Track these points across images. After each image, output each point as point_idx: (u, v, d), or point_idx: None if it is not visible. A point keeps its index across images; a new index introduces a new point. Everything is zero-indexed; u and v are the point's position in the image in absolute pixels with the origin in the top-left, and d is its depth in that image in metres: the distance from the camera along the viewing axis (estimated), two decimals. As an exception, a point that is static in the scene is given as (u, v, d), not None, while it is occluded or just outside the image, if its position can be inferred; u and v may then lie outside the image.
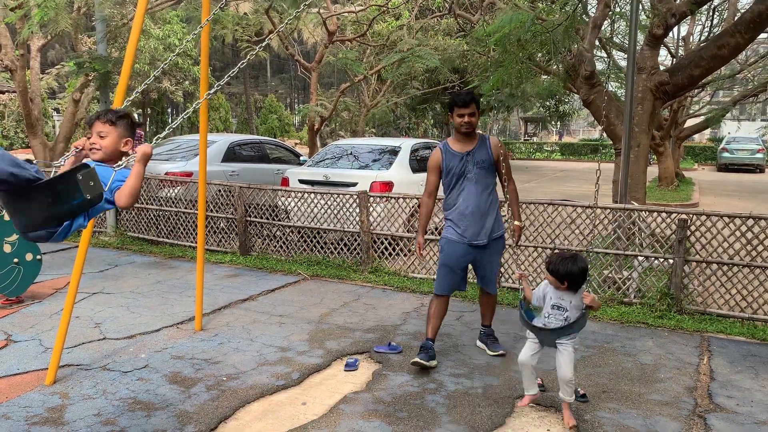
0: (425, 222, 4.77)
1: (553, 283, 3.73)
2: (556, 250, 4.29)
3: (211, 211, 8.37)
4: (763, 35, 11.60)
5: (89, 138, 2.83)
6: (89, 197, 2.36)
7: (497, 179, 4.75)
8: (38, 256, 6.06)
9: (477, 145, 4.61)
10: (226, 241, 8.48)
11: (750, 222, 5.72)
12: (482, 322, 5.06)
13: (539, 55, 9.36)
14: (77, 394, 4.01)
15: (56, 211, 2.39)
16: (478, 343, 5.06)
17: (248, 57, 4.00)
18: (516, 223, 4.78)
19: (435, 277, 6.97)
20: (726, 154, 29.71)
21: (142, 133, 28.13)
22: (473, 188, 4.56)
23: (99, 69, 8.85)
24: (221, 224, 8.45)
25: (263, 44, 3.97)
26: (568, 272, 3.62)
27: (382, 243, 7.48)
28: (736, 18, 9.76)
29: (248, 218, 8.12)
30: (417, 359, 4.49)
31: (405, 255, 7.52)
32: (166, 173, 8.92)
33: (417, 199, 7.39)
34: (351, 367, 4.55)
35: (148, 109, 38.81)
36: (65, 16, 8.98)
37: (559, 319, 3.71)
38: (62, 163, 2.84)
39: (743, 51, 10.26)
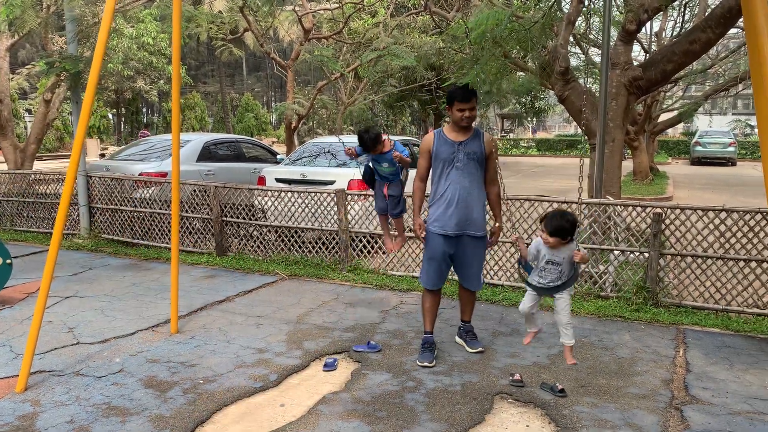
0: (420, 203, 4.76)
1: (553, 243, 4.03)
2: (550, 208, 4.64)
3: (187, 211, 8.27)
4: (733, 30, 11.78)
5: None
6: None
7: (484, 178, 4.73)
8: (8, 260, 5.92)
9: (471, 137, 4.59)
10: (202, 242, 8.38)
11: (723, 215, 5.80)
12: (462, 318, 5.06)
13: (514, 51, 9.39)
14: (49, 401, 3.93)
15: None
16: (457, 339, 5.06)
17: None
18: (496, 224, 4.78)
19: (414, 274, 7.02)
20: (699, 148, 30.17)
21: (148, 132, 27.87)
22: (460, 177, 4.53)
23: (70, 69, 8.67)
24: (197, 225, 8.35)
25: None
26: (560, 227, 3.95)
27: (361, 241, 7.45)
28: (706, 13, 9.89)
29: (224, 218, 8.03)
30: (425, 363, 4.58)
31: (384, 253, 7.50)
32: (140, 174, 8.80)
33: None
34: (330, 367, 4.52)
35: (123, 108, 38.33)
36: (32, 14, 8.79)
37: (554, 273, 4.11)
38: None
39: (714, 46, 10.39)
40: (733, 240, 5.79)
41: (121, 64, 22.35)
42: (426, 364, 4.56)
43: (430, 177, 4.76)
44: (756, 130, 29.32)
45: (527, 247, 4.32)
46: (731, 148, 29.57)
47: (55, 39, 13.73)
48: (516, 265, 4.55)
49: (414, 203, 4.77)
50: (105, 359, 4.64)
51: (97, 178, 8.97)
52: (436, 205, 4.63)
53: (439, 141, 4.61)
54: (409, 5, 17.48)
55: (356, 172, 8.26)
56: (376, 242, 7.46)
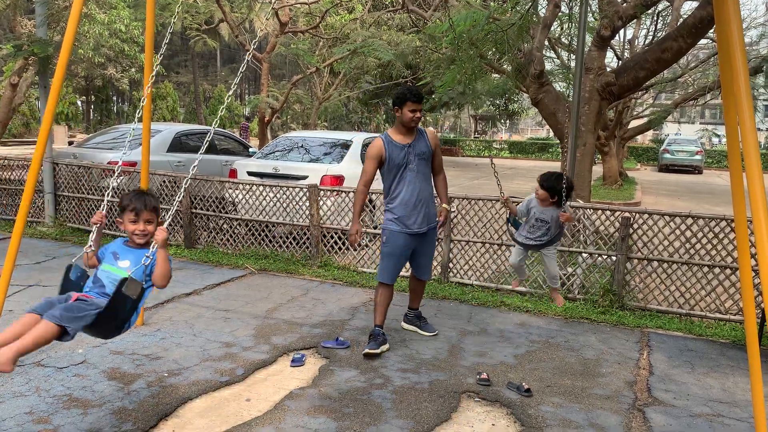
0: (360, 210, 4.79)
1: (543, 197, 4.46)
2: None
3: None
4: (703, 41, 12.02)
5: (134, 223, 3.31)
6: (135, 297, 2.96)
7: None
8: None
9: (416, 138, 4.75)
10: (170, 234, 8.26)
11: (689, 221, 5.91)
12: (410, 305, 5.31)
13: (490, 53, 9.45)
14: (8, 392, 3.83)
15: (120, 321, 3.01)
16: (406, 325, 5.31)
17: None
18: (444, 206, 4.99)
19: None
20: (667, 155, 30.73)
21: (248, 124, 27.44)
22: (414, 178, 4.71)
23: (39, 53, 8.46)
24: (165, 216, 8.22)
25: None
26: (551, 187, 4.40)
27: (332, 237, 7.42)
28: (679, 23, 10.07)
29: (194, 210, 7.93)
30: (367, 350, 4.65)
31: (355, 249, 7.48)
32: (109, 162, 8.64)
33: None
34: (297, 362, 4.49)
35: (92, 95, 37.61)
36: (1, -5, 8.56)
37: (541, 230, 4.55)
38: None
39: (685, 55, 10.59)
40: (698, 246, 5.90)
41: (92, 51, 21.92)
42: (368, 351, 4.66)
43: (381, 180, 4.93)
44: (722, 139, 30.06)
45: (516, 206, 4.75)
46: (698, 157, 30.19)
47: (23, 22, 13.38)
48: (506, 224, 5.02)
49: (355, 208, 4.82)
50: (67, 350, 4.54)
51: (63, 166, 8.78)
52: (395, 206, 4.75)
53: (389, 146, 4.71)
54: (387, 2, 17.47)
55: (329, 168, 8.23)
56: (348, 238, 7.42)
